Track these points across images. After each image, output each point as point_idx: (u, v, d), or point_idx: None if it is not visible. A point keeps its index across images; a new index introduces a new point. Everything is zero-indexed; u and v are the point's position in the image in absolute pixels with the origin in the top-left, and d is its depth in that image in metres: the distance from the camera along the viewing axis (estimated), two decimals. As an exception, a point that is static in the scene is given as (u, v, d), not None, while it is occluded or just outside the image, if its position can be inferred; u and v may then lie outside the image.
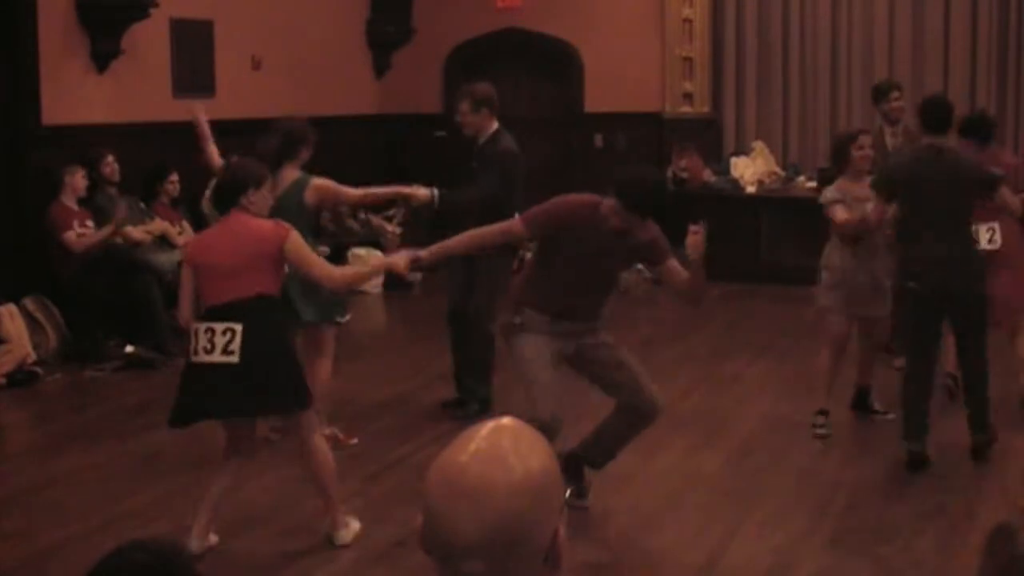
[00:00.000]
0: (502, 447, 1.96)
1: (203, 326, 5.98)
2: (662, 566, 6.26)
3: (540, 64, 15.58)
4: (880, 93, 10.47)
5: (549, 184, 13.97)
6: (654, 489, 7.32)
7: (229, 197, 6.26)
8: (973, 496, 7.11)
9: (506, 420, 2.04)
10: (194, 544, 6.11)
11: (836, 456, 7.82)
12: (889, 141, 10.08)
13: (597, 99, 15.17)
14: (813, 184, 13.98)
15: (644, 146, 15.06)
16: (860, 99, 14.55)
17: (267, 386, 6.02)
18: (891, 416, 8.21)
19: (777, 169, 14.66)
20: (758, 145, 14.77)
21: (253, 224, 6.18)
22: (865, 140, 8.22)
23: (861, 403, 8.54)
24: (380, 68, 15.83)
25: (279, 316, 6.28)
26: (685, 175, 14.51)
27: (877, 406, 8.48)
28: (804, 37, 15.04)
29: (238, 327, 5.93)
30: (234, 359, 5.91)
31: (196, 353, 6.01)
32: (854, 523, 6.75)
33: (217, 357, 5.92)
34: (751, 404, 8.89)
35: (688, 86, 15.14)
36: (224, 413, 6.22)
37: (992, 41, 14.31)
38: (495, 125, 8.60)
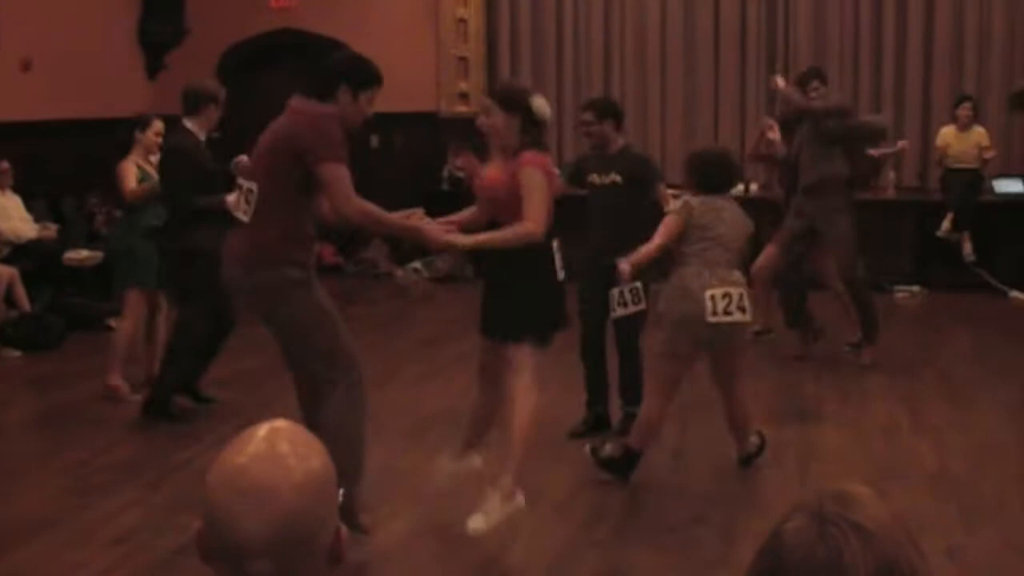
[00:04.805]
0: (280, 448, 2.01)
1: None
2: (445, 565, 6.32)
3: (315, 64, 15.48)
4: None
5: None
6: (435, 488, 7.38)
7: None
8: (753, 484, 7.34)
9: (280, 422, 2.09)
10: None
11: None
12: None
13: (373, 99, 15.16)
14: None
15: (420, 146, 15.15)
16: (632, 100, 14.86)
17: None
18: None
19: (552, 168, 14.85)
20: (533, 144, 14.93)
21: None
22: None
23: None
24: (153, 69, 15.60)
25: None
26: (461, 174, 14.64)
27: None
28: (577, 38, 15.28)
29: None
30: None
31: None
32: (636, 515, 6.90)
33: None
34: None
35: (463, 86, 15.25)
36: None
37: (761, 38, 14.73)
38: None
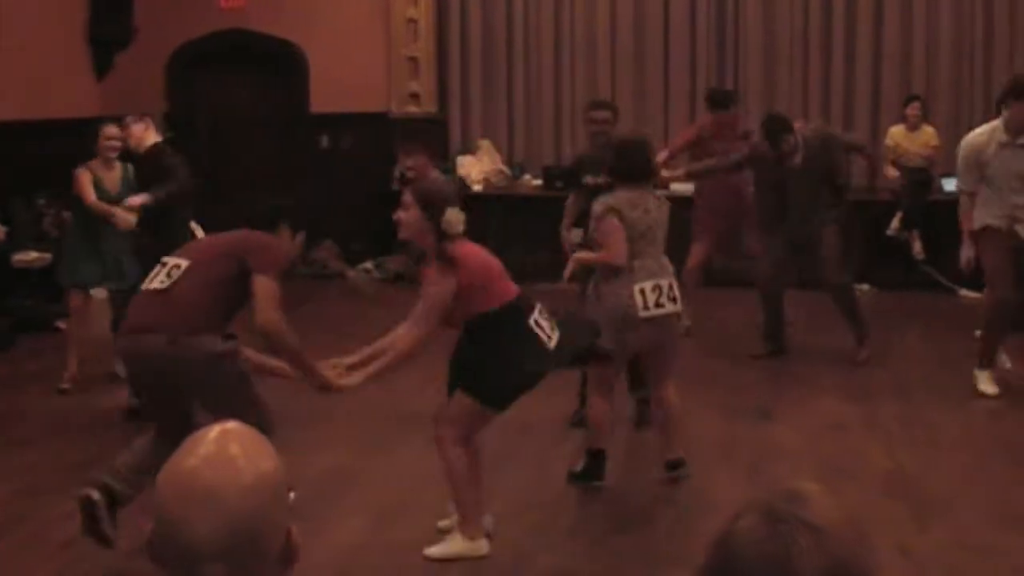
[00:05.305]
0: (231, 450, 2.01)
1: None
2: (399, 565, 6.32)
3: (265, 64, 15.47)
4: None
5: (275, 186, 13.95)
6: (389, 487, 7.38)
7: None
8: (704, 483, 7.36)
9: (231, 424, 2.09)
10: None
11: (568, 451, 7.96)
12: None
13: (323, 99, 15.14)
14: (539, 182, 14.35)
15: (370, 146, 15.10)
16: (583, 99, 14.87)
17: None
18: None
19: (503, 167, 14.89)
20: (484, 144, 14.96)
21: None
22: None
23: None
24: (101, 69, 15.48)
25: None
26: (412, 175, 14.61)
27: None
28: (528, 38, 15.29)
29: None
30: None
31: None
32: (589, 515, 6.93)
33: None
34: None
35: (414, 86, 15.23)
36: None
37: (710, 36, 14.77)
38: None
